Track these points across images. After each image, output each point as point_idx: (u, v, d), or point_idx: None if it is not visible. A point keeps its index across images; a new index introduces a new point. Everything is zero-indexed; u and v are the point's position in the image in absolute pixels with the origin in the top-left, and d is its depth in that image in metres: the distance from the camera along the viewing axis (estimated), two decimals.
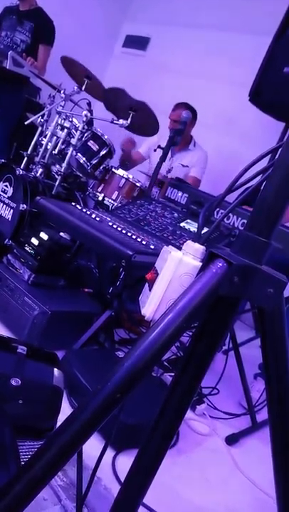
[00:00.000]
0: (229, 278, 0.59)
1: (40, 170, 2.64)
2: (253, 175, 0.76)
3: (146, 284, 0.73)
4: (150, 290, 0.70)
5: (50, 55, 3.55)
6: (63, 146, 2.67)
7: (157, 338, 0.57)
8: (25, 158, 2.74)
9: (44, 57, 3.49)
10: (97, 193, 2.67)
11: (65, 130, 2.64)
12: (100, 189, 2.71)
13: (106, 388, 0.56)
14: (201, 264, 0.66)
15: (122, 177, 2.64)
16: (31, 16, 3.44)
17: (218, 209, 1.95)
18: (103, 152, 2.67)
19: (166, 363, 1.99)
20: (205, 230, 1.59)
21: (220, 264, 0.60)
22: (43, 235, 2.08)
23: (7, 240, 2.27)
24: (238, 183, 0.77)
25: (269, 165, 0.68)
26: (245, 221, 1.87)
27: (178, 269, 0.67)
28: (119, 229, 1.84)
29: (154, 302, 0.68)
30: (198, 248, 0.69)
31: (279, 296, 0.62)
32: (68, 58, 2.84)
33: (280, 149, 0.62)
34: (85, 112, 2.60)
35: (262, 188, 0.64)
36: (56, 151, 2.66)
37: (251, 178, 0.77)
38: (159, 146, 2.64)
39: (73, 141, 2.60)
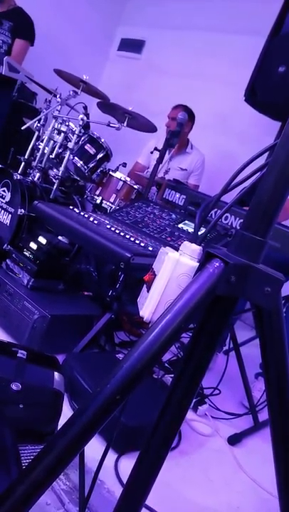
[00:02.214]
0: (226, 277, 0.59)
1: (38, 174, 2.64)
2: (248, 174, 0.76)
3: (144, 286, 0.74)
4: (148, 291, 0.71)
5: (26, 52, 3.49)
6: (60, 150, 2.68)
7: (156, 339, 0.57)
8: (23, 163, 2.74)
9: (19, 50, 3.43)
10: (95, 196, 2.68)
11: (62, 134, 2.64)
12: (97, 192, 2.71)
13: (105, 390, 0.56)
14: (198, 264, 0.67)
15: (120, 180, 2.65)
16: (10, 15, 3.41)
17: (216, 209, 1.96)
18: (100, 155, 2.68)
19: (167, 365, 1.99)
20: (202, 230, 1.60)
21: (217, 264, 0.60)
22: (42, 239, 2.08)
23: (6, 245, 2.27)
24: (233, 182, 0.77)
25: (264, 164, 0.68)
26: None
27: (175, 270, 0.68)
28: (117, 231, 1.84)
29: (152, 303, 0.68)
30: (195, 249, 0.69)
31: (276, 294, 0.62)
32: (61, 71, 2.84)
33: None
34: (81, 116, 2.61)
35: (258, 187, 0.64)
36: (53, 156, 2.66)
37: (247, 178, 0.77)
38: (155, 148, 2.64)
39: (70, 145, 2.60)
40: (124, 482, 0.98)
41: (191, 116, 3.33)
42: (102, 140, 2.70)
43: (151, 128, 2.86)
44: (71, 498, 1.15)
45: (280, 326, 0.64)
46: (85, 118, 2.61)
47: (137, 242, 1.78)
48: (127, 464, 1.35)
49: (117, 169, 2.77)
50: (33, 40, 3.52)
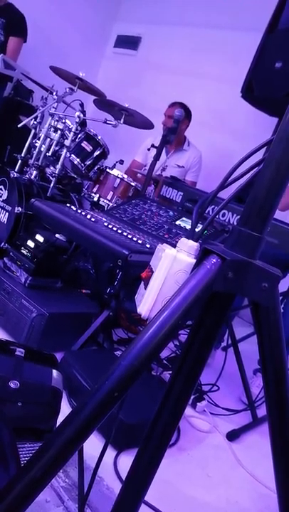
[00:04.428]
0: (223, 274, 0.59)
1: (35, 172, 2.63)
2: (245, 170, 0.76)
3: (142, 283, 0.73)
4: (145, 288, 0.71)
5: (21, 48, 3.49)
6: (57, 148, 2.67)
7: (153, 336, 0.57)
8: (20, 161, 2.74)
9: (14, 48, 3.43)
10: (93, 194, 2.67)
11: (59, 132, 2.64)
12: (95, 190, 2.71)
13: (103, 387, 0.56)
14: (195, 260, 0.66)
15: (117, 177, 2.64)
16: (2, 12, 3.40)
17: (213, 206, 1.96)
18: (97, 153, 2.67)
19: (165, 361, 1.99)
20: (200, 227, 1.59)
21: (214, 260, 0.60)
22: (39, 237, 2.08)
23: (3, 243, 2.27)
24: (230, 178, 0.77)
25: (260, 160, 0.68)
26: None
27: (172, 267, 0.67)
28: (114, 229, 1.84)
29: (150, 300, 0.68)
30: (192, 245, 0.69)
31: (273, 290, 0.62)
32: (57, 68, 2.83)
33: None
34: (77, 113, 2.60)
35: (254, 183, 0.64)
36: (50, 153, 2.66)
37: (244, 174, 0.77)
38: (152, 145, 2.64)
39: (67, 142, 2.60)
40: (124, 479, 0.98)
41: (187, 113, 3.32)
42: (99, 137, 2.69)
43: (148, 125, 2.86)
44: (70, 495, 1.15)
45: (278, 321, 0.64)
46: (81, 115, 2.60)
47: (135, 239, 1.78)
48: (126, 461, 1.35)
49: (114, 166, 2.77)
50: (26, 36, 3.50)
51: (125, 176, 2.65)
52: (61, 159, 2.56)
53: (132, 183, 2.64)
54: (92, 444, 0.92)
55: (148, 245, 1.75)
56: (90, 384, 1.50)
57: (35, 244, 2.06)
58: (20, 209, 2.31)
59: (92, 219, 1.89)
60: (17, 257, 2.08)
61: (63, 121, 2.66)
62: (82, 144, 2.65)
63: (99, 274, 2.39)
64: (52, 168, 2.66)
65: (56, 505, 1.12)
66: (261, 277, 0.61)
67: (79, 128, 2.63)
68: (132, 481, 0.72)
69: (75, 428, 0.56)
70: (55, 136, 2.64)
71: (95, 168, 2.69)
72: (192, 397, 1.83)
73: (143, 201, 2.29)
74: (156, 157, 2.47)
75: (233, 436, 1.74)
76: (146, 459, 0.70)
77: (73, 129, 2.60)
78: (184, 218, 2.12)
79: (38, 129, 2.75)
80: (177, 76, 4.26)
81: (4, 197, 2.44)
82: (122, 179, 2.63)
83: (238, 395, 2.08)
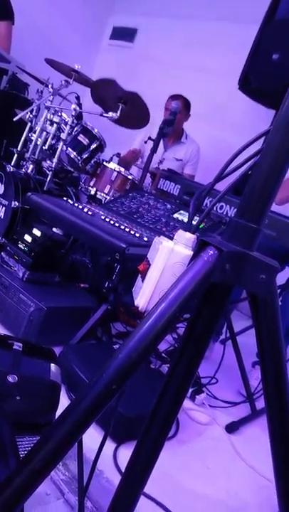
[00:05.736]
0: (221, 265, 0.59)
1: (31, 166, 2.61)
2: (242, 161, 0.76)
3: (139, 276, 0.73)
4: (143, 281, 0.70)
5: (11, 32, 3.37)
6: (53, 141, 2.65)
7: (151, 329, 0.57)
8: (16, 155, 2.72)
9: (5, 32, 3.32)
10: (90, 188, 2.66)
11: (55, 125, 2.62)
12: (92, 183, 2.69)
13: (101, 380, 0.56)
14: (192, 252, 0.66)
15: (114, 170, 2.63)
16: None
17: (210, 198, 1.95)
18: (94, 146, 2.65)
19: (164, 355, 2.00)
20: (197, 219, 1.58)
21: (211, 252, 0.59)
22: (36, 232, 2.07)
23: (0, 238, 2.26)
24: (227, 170, 0.77)
25: (257, 150, 0.68)
26: None
27: (170, 259, 0.67)
28: (112, 222, 1.83)
29: (147, 293, 0.68)
30: (190, 237, 0.68)
31: (271, 282, 0.62)
32: (53, 60, 2.80)
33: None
34: (73, 106, 2.58)
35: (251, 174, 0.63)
36: (46, 147, 2.64)
37: (240, 165, 0.77)
38: (149, 138, 2.62)
39: (63, 135, 2.58)
40: (123, 471, 0.98)
41: (187, 106, 3.30)
42: (96, 130, 2.67)
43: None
44: (70, 487, 1.16)
45: (275, 313, 0.64)
46: (77, 108, 2.58)
47: (132, 232, 1.77)
48: (126, 454, 1.36)
49: (111, 160, 2.75)
50: (14, 18, 3.37)
51: (122, 170, 2.64)
52: (57, 153, 2.55)
53: (129, 177, 2.63)
54: (92, 437, 0.92)
55: (145, 238, 1.74)
56: (89, 378, 1.50)
57: (33, 239, 2.06)
58: (17, 203, 2.30)
59: (90, 212, 1.89)
60: (14, 251, 2.07)
61: (59, 114, 2.64)
62: (79, 137, 2.63)
63: (97, 267, 2.39)
64: (48, 161, 2.64)
65: (56, 498, 1.13)
66: (259, 269, 0.61)
67: (75, 121, 2.61)
68: (132, 474, 0.72)
69: (74, 420, 0.56)
70: (52, 129, 2.62)
71: (92, 161, 2.67)
72: (191, 389, 1.84)
73: (140, 194, 2.29)
74: (154, 150, 2.46)
75: (232, 428, 1.75)
76: (145, 452, 0.70)
77: (69, 122, 2.58)
78: (181, 211, 2.12)
79: (34, 122, 2.73)
80: (174, 68, 4.23)
81: (1, 191, 2.43)
82: (119, 172, 2.62)
83: (237, 387, 2.09)
